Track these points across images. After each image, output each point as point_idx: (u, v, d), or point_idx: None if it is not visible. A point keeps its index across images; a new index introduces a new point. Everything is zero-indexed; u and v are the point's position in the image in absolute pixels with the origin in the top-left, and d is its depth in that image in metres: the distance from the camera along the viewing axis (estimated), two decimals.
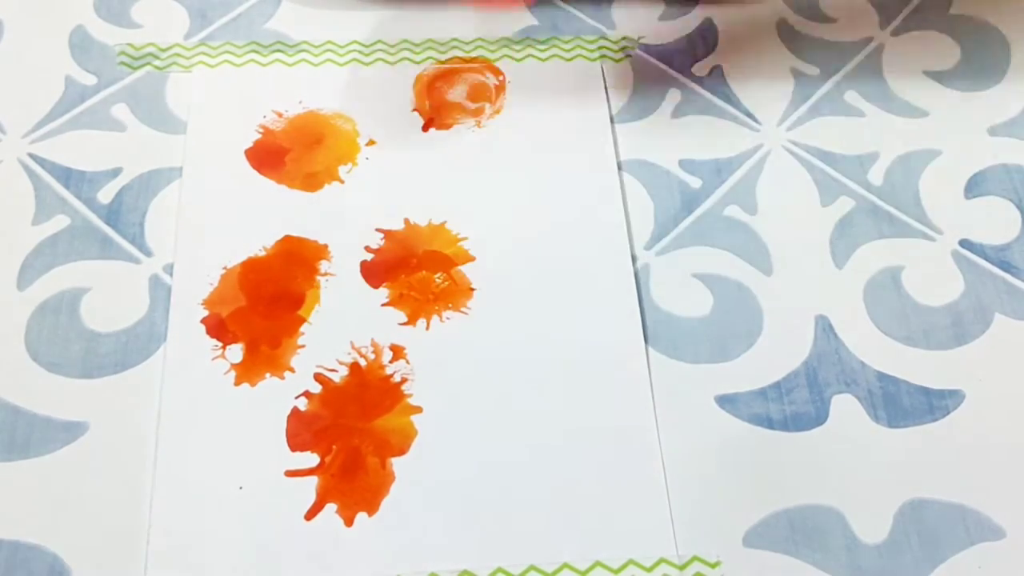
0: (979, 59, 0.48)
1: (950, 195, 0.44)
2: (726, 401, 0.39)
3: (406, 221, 0.43)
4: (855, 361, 0.40)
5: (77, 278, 0.41)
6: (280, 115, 0.45)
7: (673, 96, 0.47)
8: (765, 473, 0.38)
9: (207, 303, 0.40)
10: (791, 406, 0.39)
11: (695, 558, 0.36)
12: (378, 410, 0.38)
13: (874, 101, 0.47)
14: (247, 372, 0.39)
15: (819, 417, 0.39)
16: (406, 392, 0.39)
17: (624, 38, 0.48)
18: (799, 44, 0.48)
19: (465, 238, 0.42)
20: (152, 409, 0.38)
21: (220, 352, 0.39)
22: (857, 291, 0.42)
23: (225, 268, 0.41)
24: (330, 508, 0.36)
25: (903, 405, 0.39)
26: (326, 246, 0.42)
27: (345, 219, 0.42)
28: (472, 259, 0.42)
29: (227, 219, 0.42)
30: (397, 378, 0.39)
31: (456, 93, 0.46)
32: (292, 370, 0.39)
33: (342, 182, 0.43)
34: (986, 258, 0.43)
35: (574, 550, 0.36)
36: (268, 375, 0.39)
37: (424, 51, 0.47)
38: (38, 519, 0.36)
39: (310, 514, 0.36)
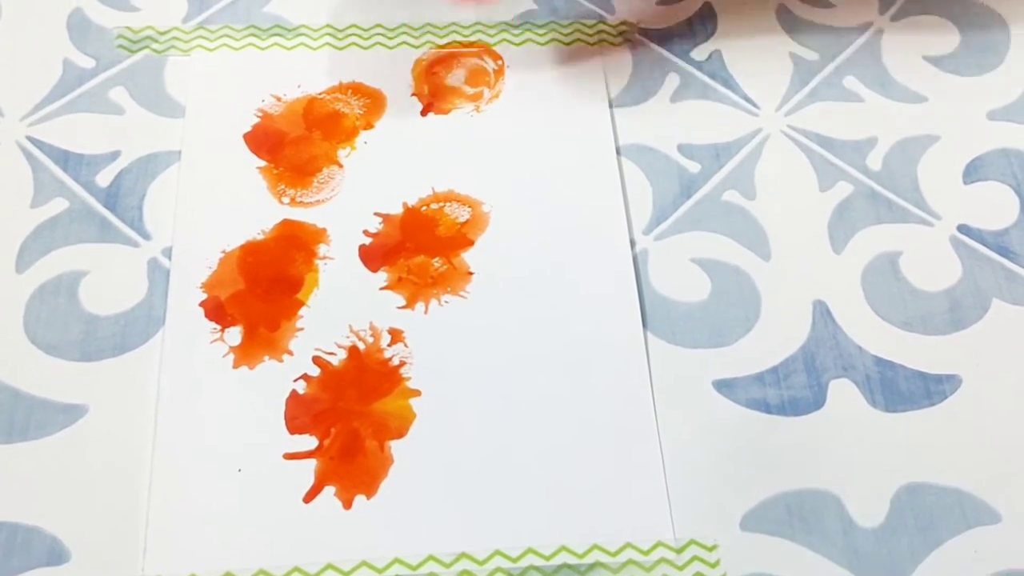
0: (978, 44, 0.48)
1: (948, 180, 0.44)
2: (724, 386, 0.39)
3: (404, 205, 0.43)
4: (853, 346, 0.40)
5: (76, 261, 0.41)
6: (279, 99, 0.45)
7: (672, 81, 0.47)
8: (762, 457, 0.38)
9: (206, 286, 0.40)
10: (789, 391, 0.39)
11: (692, 542, 0.36)
12: (376, 393, 0.38)
13: (873, 86, 0.47)
14: (246, 355, 0.39)
15: (816, 402, 0.39)
16: (404, 375, 0.39)
17: (623, 22, 0.48)
18: (798, 29, 0.48)
19: (464, 222, 0.42)
20: (151, 392, 0.38)
21: (219, 335, 0.39)
22: (855, 276, 0.42)
23: (224, 251, 0.41)
24: (329, 491, 0.37)
25: (900, 390, 0.39)
26: (325, 230, 0.42)
27: (344, 203, 0.42)
28: (470, 243, 0.42)
29: (226, 203, 0.42)
30: (395, 361, 0.39)
31: (455, 77, 0.46)
32: (291, 353, 0.39)
33: (341, 166, 0.43)
34: (984, 243, 0.43)
35: (572, 533, 0.36)
36: (267, 358, 0.39)
37: (423, 35, 0.47)
38: (37, 501, 0.36)
39: (308, 497, 0.36)
